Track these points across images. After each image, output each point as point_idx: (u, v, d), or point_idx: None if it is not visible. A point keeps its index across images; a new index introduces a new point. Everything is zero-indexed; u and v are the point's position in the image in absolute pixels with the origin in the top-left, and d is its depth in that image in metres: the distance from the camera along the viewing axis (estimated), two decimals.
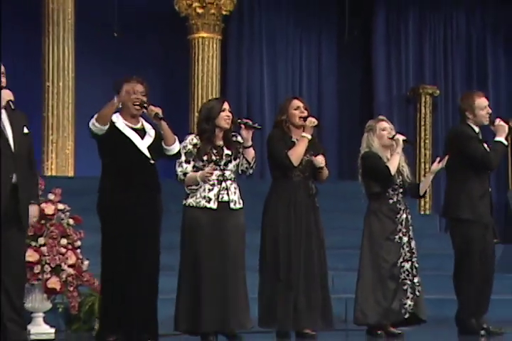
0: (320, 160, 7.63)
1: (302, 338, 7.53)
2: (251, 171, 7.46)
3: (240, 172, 7.40)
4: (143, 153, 6.99)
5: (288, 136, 7.69)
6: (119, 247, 6.87)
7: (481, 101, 8.14)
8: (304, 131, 7.60)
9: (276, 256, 7.60)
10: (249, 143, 7.37)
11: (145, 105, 6.98)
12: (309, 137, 7.57)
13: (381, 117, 8.31)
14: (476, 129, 8.11)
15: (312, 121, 7.57)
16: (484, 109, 8.10)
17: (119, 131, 6.97)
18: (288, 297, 7.56)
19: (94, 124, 6.85)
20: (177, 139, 7.06)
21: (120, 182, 6.93)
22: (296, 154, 7.55)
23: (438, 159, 8.14)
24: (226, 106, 7.35)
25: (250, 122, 7.41)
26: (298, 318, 7.56)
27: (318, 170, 7.71)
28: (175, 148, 7.04)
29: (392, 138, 7.97)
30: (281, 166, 7.68)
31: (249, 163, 7.36)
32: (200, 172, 7.01)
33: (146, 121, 7.09)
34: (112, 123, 6.97)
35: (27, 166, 6.63)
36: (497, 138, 8.01)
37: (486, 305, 8.12)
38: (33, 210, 6.64)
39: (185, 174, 7.16)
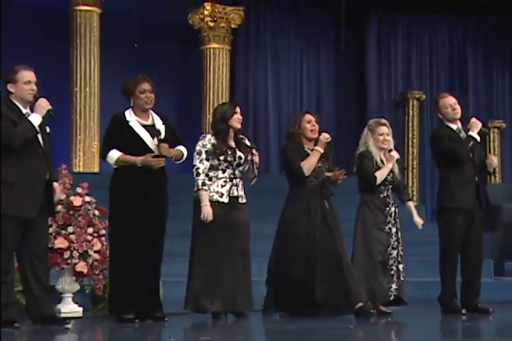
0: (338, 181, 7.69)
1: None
2: (255, 180, 7.48)
3: (245, 177, 7.43)
4: (151, 151, 7.00)
5: (301, 146, 7.63)
6: (128, 232, 6.89)
7: (444, 101, 8.17)
8: (316, 145, 7.55)
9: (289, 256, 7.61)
10: (256, 165, 7.39)
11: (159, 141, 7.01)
12: (321, 151, 7.54)
13: (383, 121, 8.19)
14: (454, 127, 8.10)
15: (326, 137, 7.52)
16: (449, 107, 8.12)
17: (134, 130, 6.99)
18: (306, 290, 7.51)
19: (107, 161, 6.94)
20: (184, 151, 7.14)
21: (131, 173, 6.93)
22: (308, 166, 7.53)
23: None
24: (238, 109, 7.40)
25: (256, 158, 7.41)
26: None
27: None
28: (181, 160, 7.16)
29: (389, 151, 7.98)
30: (295, 176, 7.62)
31: (255, 176, 7.37)
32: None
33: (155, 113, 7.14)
34: (126, 122, 6.99)
35: (51, 162, 6.66)
36: (469, 133, 8.04)
37: (476, 288, 8.14)
38: (58, 186, 6.79)
39: (203, 170, 7.19)
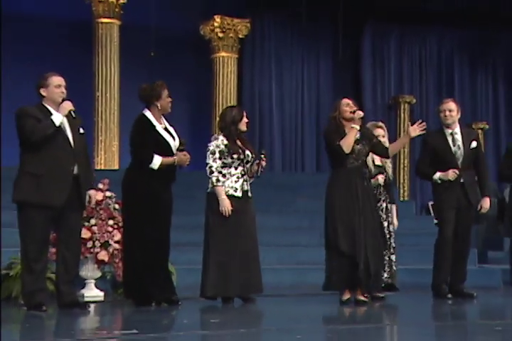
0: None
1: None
2: (253, 178, 7.50)
3: (250, 174, 7.43)
4: (172, 151, 7.03)
5: (341, 129, 7.24)
6: (142, 222, 6.91)
7: (442, 106, 8.16)
8: (353, 123, 7.19)
9: (337, 233, 7.20)
10: (261, 170, 7.39)
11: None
12: (357, 128, 7.17)
13: (380, 124, 8.15)
14: (448, 131, 8.04)
15: (359, 113, 7.18)
16: (442, 112, 8.10)
17: (159, 133, 7.02)
18: (350, 267, 7.19)
19: (151, 166, 6.92)
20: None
21: (149, 170, 6.93)
22: (347, 143, 7.12)
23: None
24: (245, 113, 7.43)
25: (264, 164, 7.42)
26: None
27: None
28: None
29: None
30: (336, 155, 7.24)
31: (256, 175, 7.38)
32: None
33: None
34: (153, 127, 7.01)
35: (84, 159, 6.70)
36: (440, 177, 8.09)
37: (462, 275, 8.13)
38: (93, 193, 6.78)
39: (216, 168, 7.20)
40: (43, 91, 6.58)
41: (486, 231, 12.64)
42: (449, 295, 7.98)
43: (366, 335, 5.47)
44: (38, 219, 6.43)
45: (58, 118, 6.46)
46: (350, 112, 7.22)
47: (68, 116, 6.54)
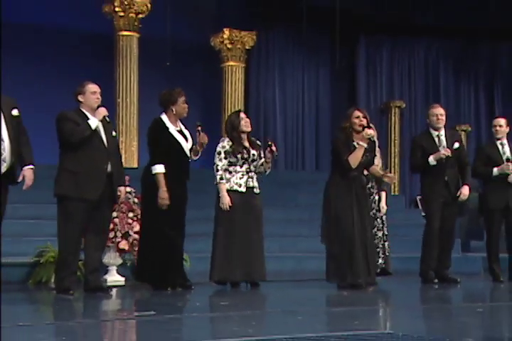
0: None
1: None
2: (265, 174, 7.50)
3: (258, 170, 7.42)
4: (186, 154, 7.05)
5: (350, 139, 7.15)
6: (161, 214, 6.91)
7: (433, 110, 8.14)
8: (361, 140, 7.10)
9: (338, 232, 7.19)
10: (269, 160, 7.40)
11: (198, 125, 7.05)
12: (365, 146, 7.07)
13: (371, 125, 8.18)
14: (435, 133, 8.06)
15: (368, 133, 7.07)
16: (434, 116, 8.09)
17: (173, 136, 7.02)
18: (348, 260, 7.20)
19: (151, 168, 6.96)
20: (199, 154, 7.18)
21: (167, 169, 6.94)
22: (354, 160, 7.05)
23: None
24: (242, 115, 7.43)
25: (274, 149, 7.42)
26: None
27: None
28: (195, 158, 7.19)
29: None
30: (341, 166, 7.15)
31: (265, 171, 7.40)
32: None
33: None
34: (166, 128, 7.01)
35: (116, 159, 6.71)
36: (430, 161, 8.01)
37: (447, 262, 8.13)
38: (123, 189, 6.78)
39: (222, 166, 7.21)
40: (80, 98, 6.64)
41: (468, 223, 12.63)
42: (436, 281, 7.99)
43: (361, 317, 5.47)
44: (75, 212, 6.48)
45: (94, 122, 6.52)
46: (360, 125, 7.13)
47: (103, 120, 6.58)
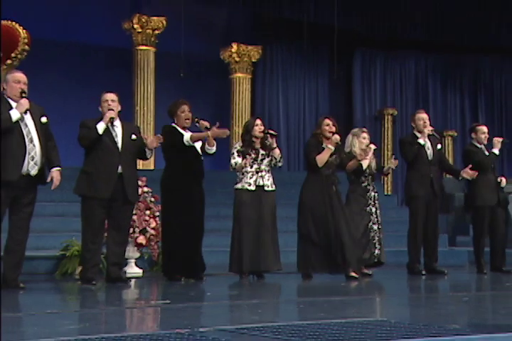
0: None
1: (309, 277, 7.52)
2: (280, 164, 7.48)
3: (273, 166, 7.42)
4: (198, 152, 7.03)
5: (320, 144, 7.43)
6: (178, 212, 6.90)
7: (419, 116, 8.20)
8: (329, 144, 7.37)
9: (309, 226, 7.38)
10: (274, 145, 7.40)
11: (197, 120, 7.02)
12: (332, 149, 7.33)
13: (364, 129, 8.27)
14: (419, 135, 8.09)
15: (336, 138, 7.37)
16: (421, 120, 8.12)
17: (182, 134, 7.03)
18: (317, 252, 7.37)
19: (188, 141, 6.90)
20: (215, 144, 7.07)
21: (183, 168, 6.96)
22: (321, 160, 7.32)
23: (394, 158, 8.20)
24: (258, 122, 7.42)
25: (272, 131, 7.46)
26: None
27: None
28: (214, 149, 7.05)
29: (367, 146, 7.98)
30: (311, 165, 7.45)
31: (276, 159, 7.38)
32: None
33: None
34: (177, 131, 7.01)
35: (130, 161, 6.68)
36: (419, 140, 8.04)
37: (435, 255, 8.11)
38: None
39: (236, 163, 7.23)
40: (100, 108, 6.65)
41: (454, 219, 12.63)
42: (423, 272, 7.97)
43: (357, 305, 5.47)
44: (92, 209, 6.49)
45: (100, 126, 6.50)
46: (329, 132, 7.39)
47: (122, 125, 6.57)
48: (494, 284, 7.55)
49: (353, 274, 7.23)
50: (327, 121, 7.51)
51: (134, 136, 6.69)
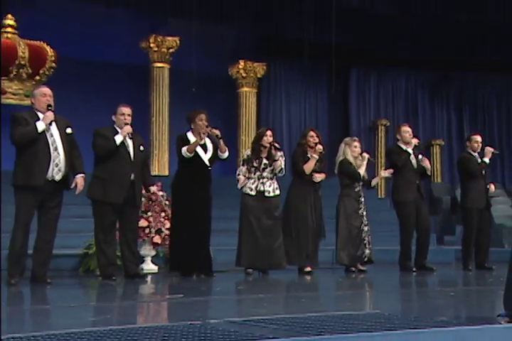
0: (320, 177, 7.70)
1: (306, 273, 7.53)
2: (280, 174, 7.53)
3: (276, 174, 7.45)
4: (205, 163, 7.03)
5: (306, 153, 7.66)
6: (187, 214, 6.92)
7: (404, 128, 8.27)
8: (314, 153, 7.60)
9: (294, 224, 7.59)
10: (277, 157, 7.41)
11: (209, 129, 7.03)
12: (316, 157, 7.58)
13: (355, 138, 8.35)
14: (404, 147, 8.13)
15: (320, 148, 7.60)
16: (406, 133, 8.17)
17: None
18: (299, 248, 7.55)
19: (186, 153, 6.90)
20: (227, 149, 7.09)
21: (190, 176, 6.97)
22: (308, 168, 7.57)
23: (384, 171, 8.23)
24: (268, 133, 7.49)
25: (276, 145, 7.48)
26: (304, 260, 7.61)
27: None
28: (226, 154, 7.09)
29: (361, 155, 8.03)
30: (298, 172, 7.64)
31: (280, 170, 7.41)
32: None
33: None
34: (188, 141, 7.01)
35: (140, 169, 6.70)
36: (407, 150, 8.10)
37: (425, 254, 8.12)
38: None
39: (240, 170, 7.28)
40: (114, 118, 6.66)
41: (442, 221, 12.63)
42: (414, 269, 7.96)
43: (353, 299, 5.47)
44: (105, 212, 6.48)
45: (119, 138, 6.52)
46: (313, 143, 7.62)
47: (126, 137, 6.57)
48: (478, 280, 7.53)
49: (309, 269, 7.45)
50: (311, 132, 7.77)
51: (142, 147, 6.72)
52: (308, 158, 7.60)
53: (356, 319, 3.87)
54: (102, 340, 3.14)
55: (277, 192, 7.43)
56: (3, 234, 6.13)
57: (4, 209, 6.88)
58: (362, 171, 7.97)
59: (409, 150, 8.08)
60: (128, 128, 6.55)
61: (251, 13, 12.58)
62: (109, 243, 6.55)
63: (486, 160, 8.26)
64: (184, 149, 6.90)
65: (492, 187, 8.42)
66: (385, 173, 8.18)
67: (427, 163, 8.16)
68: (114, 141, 6.48)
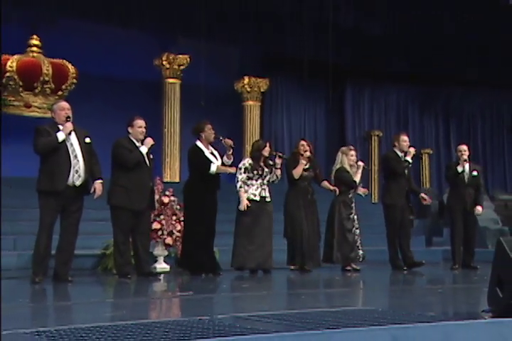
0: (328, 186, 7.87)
1: (305, 271, 7.53)
2: (276, 181, 7.53)
3: (271, 182, 7.46)
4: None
5: (297, 160, 7.74)
6: (199, 217, 6.94)
7: (403, 137, 8.27)
8: (303, 160, 7.72)
9: (293, 228, 7.65)
10: (279, 165, 7.44)
11: (221, 138, 7.08)
12: (304, 162, 7.70)
13: (351, 147, 8.39)
14: (400, 154, 8.13)
15: (307, 154, 7.73)
16: (404, 142, 8.17)
17: (206, 156, 7.06)
18: (300, 249, 7.57)
19: (213, 172, 6.96)
20: (232, 158, 7.16)
21: (203, 182, 7.01)
22: (297, 172, 7.71)
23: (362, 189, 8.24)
24: (267, 144, 7.48)
25: (281, 154, 7.53)
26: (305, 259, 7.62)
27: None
28: (230, 162, 7.14)
29: (356, 163, 8.05)
30: (290, 177, 7.76)
31: (277, 177, 7.44)
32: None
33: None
34: (202, 151, 7.04)
35: (152, 176, 6.79)
36: (405, 158, 8.08)
37: (409, 252, 8.11)
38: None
39: (241, 179, 7.26)
40: (129, 129, 6.67)
41: (430, 223, 12.60)
42: (405, 268, 7.95)
43: (349, 296, 5.46)
44: (125, 217, 6.50)
45: (144, 150, 6.58)
46: (303, 151, 7.76)
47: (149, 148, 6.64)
48: (464, 278, 7.52)
49: (307, 268, 7.49)
50: (302, 142, 7.90)
51: (151, 156, 6.77)
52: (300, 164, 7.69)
53: (352, 314, 3.87)
54: (119, 334, 3.15)
55: (270, 198, 7.49)
56: (29, 235, 6.15)
57: (29, 213, 6.92)
58: (357, 179, 7.99)
59: (408, 158, 8.08)
60: (151, 141, 6.62)
61: (255, 33, 12.63)
62: (127, 244, 6.57)
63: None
64: (214, 168, 6.95)
65: (479, 209, 8.35)
66: (360, 191, 8.17)
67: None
68: (141, 153, 6.54)
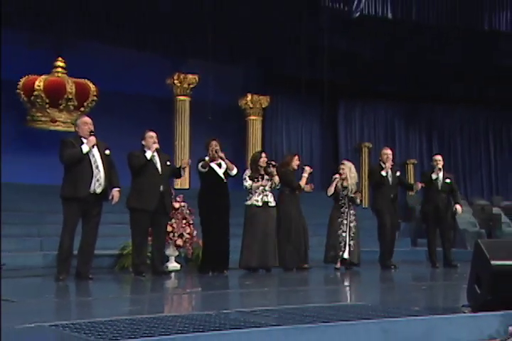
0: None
1: (301, 270, 7.51)
2: (277, 187, 7.55)
3: (272, 188, 7.48)
4: (221, 177, 7.09)
5: (293, 173, 7.88)
6: (211, 222, 6.95)
7: (385, 151, 8.33)
8: (302, 174, 7.83)
9: (287, 229, 7.65)
10: (275, 173, 7.45)
11: (216, 153, 7.08)
12: (306, 176, 7.86)
13: (346, 161, 8.37)
14: (384, 165, 8.17)
15: (308, 170, 7.87)
16: (386, 155, 8.21)
17: (212, 168, 7.09)
18: (293, 249, 7.57)
19: (200, 168, 7.01)
20: (235, 168, 7.16)
21: (211, 189, 7.03)
22: (302, 184, 7.81)
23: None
24: (263, 154, 7.52)
25: (273, 163, 7.55)
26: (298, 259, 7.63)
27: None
28: (234, 171, 7.18)
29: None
30: (293, 187, 7.76)
31: (275, 183, 7.46)
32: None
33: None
34: (209, 165, 7.08)
35: (167, 181, 6.79)
36: (382, 173, 8.12)
37: (391, 253, 8.12)
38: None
39: (250, 185, 7.29)
40: (143, 142, 6.71)
41: (415, 226, 12.57)
42: (392, 267, 7.94)
43: (342, 292, 5.46)
44: (141, 219, 6.52)
45: (148, 154, 6.61)
46: (296, 164, 7.89)
47: (159, 154, 6.65)
48: (446, 276, 7.51)
49: (306, 266, 7.55)
50: (295, 157, 8.06)
51: (168, 163, 6.78)
52: (292, 173, 7.86)
53: (345, 309, 3.87)
54: (136, 327, 3.15)
55: (274, 203, 7.48)
56: (54, 237, 6.16)
57: (54, 217, 6.92)
58: (349, 188, 7.98)
59: (383, 173, 8.11)
60: (156, 145, 6.63)
61: (257, 55, 12.69)
62: (143, 245, 6.58)
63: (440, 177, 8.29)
64: (199, 165, 7.02)
65: (459, 208, 8.38)
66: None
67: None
68: (145, 157, 6.55)
